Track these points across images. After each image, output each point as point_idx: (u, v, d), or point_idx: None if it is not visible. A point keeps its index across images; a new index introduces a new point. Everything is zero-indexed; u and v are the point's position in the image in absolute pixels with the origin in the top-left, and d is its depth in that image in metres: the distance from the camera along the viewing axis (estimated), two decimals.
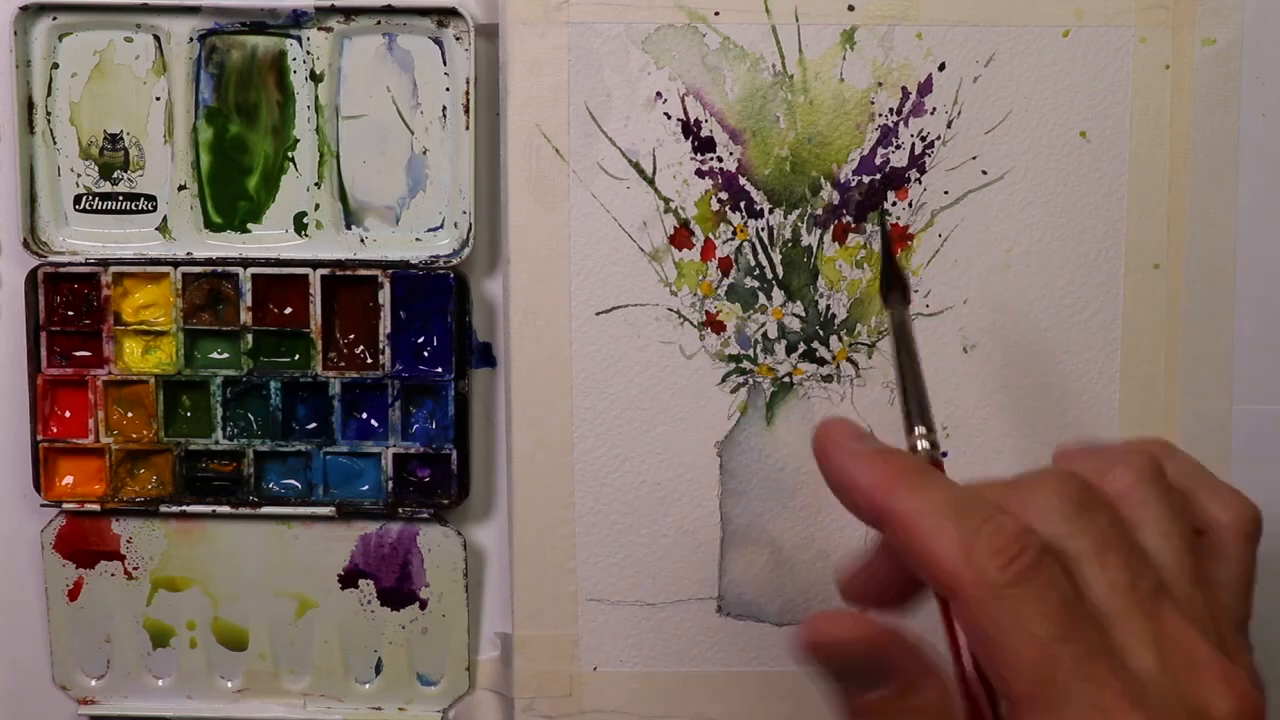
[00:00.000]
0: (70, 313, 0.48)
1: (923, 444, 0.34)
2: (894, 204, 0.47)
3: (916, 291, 0.47)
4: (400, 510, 0.48)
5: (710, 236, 0.47)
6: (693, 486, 0.48)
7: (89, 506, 0.49)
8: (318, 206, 0.48)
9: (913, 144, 0.46)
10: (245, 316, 0.48)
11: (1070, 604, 0.29)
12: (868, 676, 0.32)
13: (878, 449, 0.32)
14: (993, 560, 0.29)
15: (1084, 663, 0.28)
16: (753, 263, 0.47)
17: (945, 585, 0.30)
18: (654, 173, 0.47)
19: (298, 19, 0.47)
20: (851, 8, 0.46)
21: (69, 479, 0.49)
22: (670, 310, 0.47)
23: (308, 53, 0.47)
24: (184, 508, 0.49)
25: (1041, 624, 0.28)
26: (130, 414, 0.49)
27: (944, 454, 0.48)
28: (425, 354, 0.48)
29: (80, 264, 0.48)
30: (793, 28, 0.46)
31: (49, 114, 0.48)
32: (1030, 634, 0.28)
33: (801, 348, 0.47)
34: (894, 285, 0.38)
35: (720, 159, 0.46)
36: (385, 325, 0.48)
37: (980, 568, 0.29)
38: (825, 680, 0.32)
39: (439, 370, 0.48)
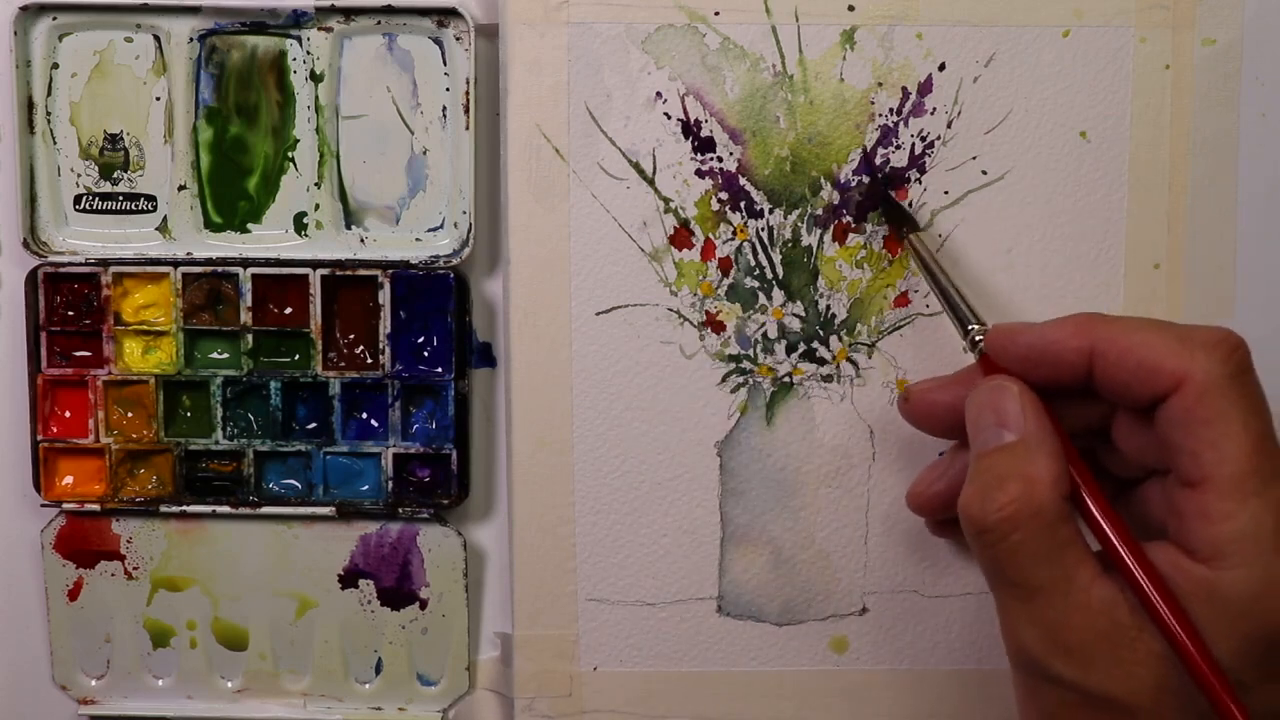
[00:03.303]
0: (70, 313, 0.48)
1: (980, 339, 0.40)
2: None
3: (917, 292, 0.47)
4: (400, 510, 0.48)
5: (710, 236, 0.47)
6: (693, 486, 0.48)
7: (89, 506, 0.49)
8: (318, 206, 0.48)
9: (913, 144, 0.46)
10: (245, 316, 0.48)
11: (1261, 409, 0.34)
12: (998, 421, 0.37)
13: (1051, 321, 0.38)
14: (1213, 353, 0.33)
15: None
16: (753, 263, 0.47)
17: (1169, 381, 0.34)
18: (654, 173, 0.47)
19: (298, 19, 0.47)
20: (851, 8, 0.46)
21: (69, 479, 0.49)
22: (670, 310, 0.47)
23: (308, 53, 0.47)
24: (184, 508, 0.49)
25: (1256, 416, 0.33)
26: (130, 414, 0.49)
27: (943, 454, 0.48)
28: (425, 354, 0.48)
29: (80, 264, 0.48)
30: (793, 28, 0.46)
31: (49, 114, 0.48)
32: (1247, 422, 0.33)
33: (801, 348, 0.47)
34: (901, 221, 0.45)
35: (720, 159, 0.46)
36: (385, 325, 0.48)
37: (1201, 361, 0.33)
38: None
39: (439, 370, 0.48)
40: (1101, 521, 0.34)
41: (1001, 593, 0.36)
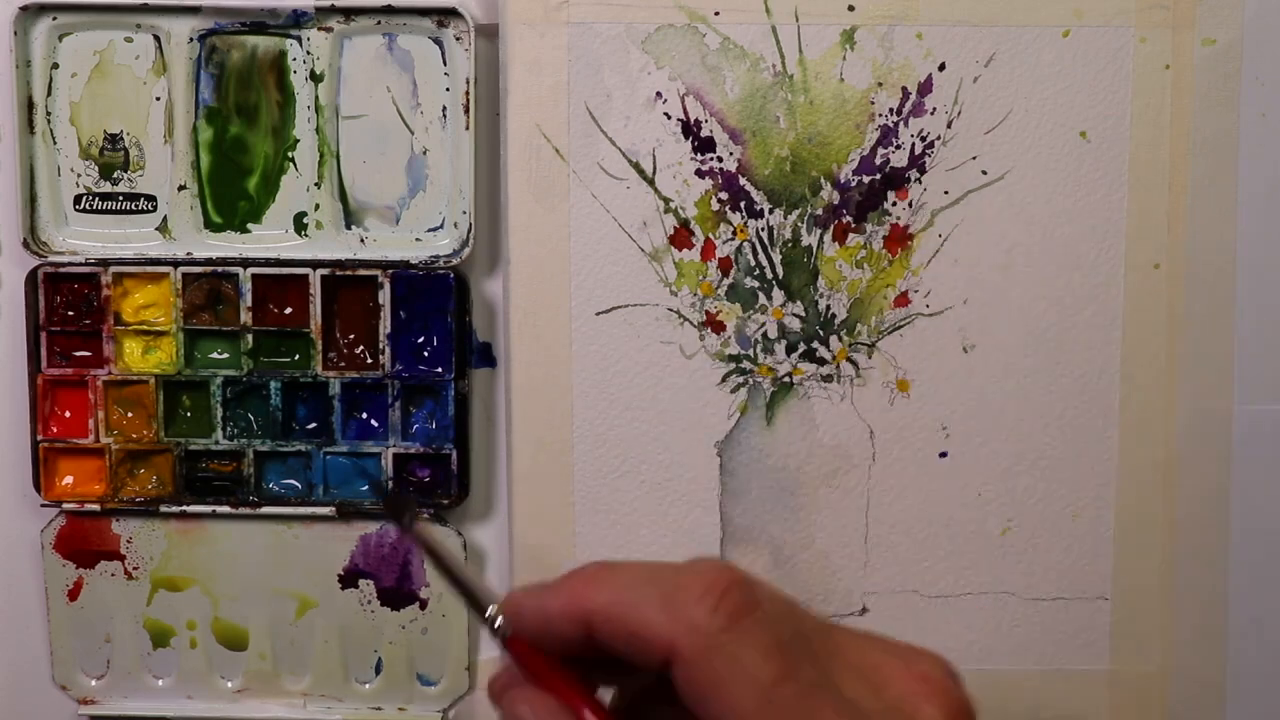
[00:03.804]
0: (70, 313, 0.48)
1: (498, 621, 0.33)
2: (894, 204, 0.47)
3: (917, 292, 0.47)
4: None
5: (710, 236, 0.47)
6: (693, 486, 0.48)
7: (89, 506, 0.49)
8: (318, 206, 0.48)
9: (913, 144, 0.46)
10: (245, 316, 0.48)
11: (784, 644, 0.29)
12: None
13: (551, 582, 0.32)
14: (700, 605, 0.29)
15: (806, 698, 0.28)
16: (753, 263, 0.47)
17: (662, 648, 0.29)
18: (654, 173, 0.47)
19: (298, 19, 0.47)
20: (851, 8, 0.46)
21: (69, 479, 0.49)
22: (670, 310, 0.47)
23: (308, 53, 0.47)
24: (184, 508, 0.49)
25: (762, 666, 0.28)
26: (130, 414, 0.49)
27: (943, 454, 0.48)
28: (425, 354, 0.48)
29: (80, 264, 0.48)
30: (793, 28, 0.46)
31: (49, 114, 0.48)
32: (752, 678, 0.28)
33: (801, 348, 0.47)
34: (399, 511, 0.37)
35: (720, 159, 0.46)
36: (385, 325, 0.48)
37: (690, 617, 0.29)
38: None
39: (439, 370, 0.48)
40: None
41: None
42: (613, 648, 0.30)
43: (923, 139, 0.47)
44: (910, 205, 0.47)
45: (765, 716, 0.28)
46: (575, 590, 0.31)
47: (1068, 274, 0.47)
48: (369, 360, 0.48)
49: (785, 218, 0.47)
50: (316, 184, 0.48)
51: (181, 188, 0.48)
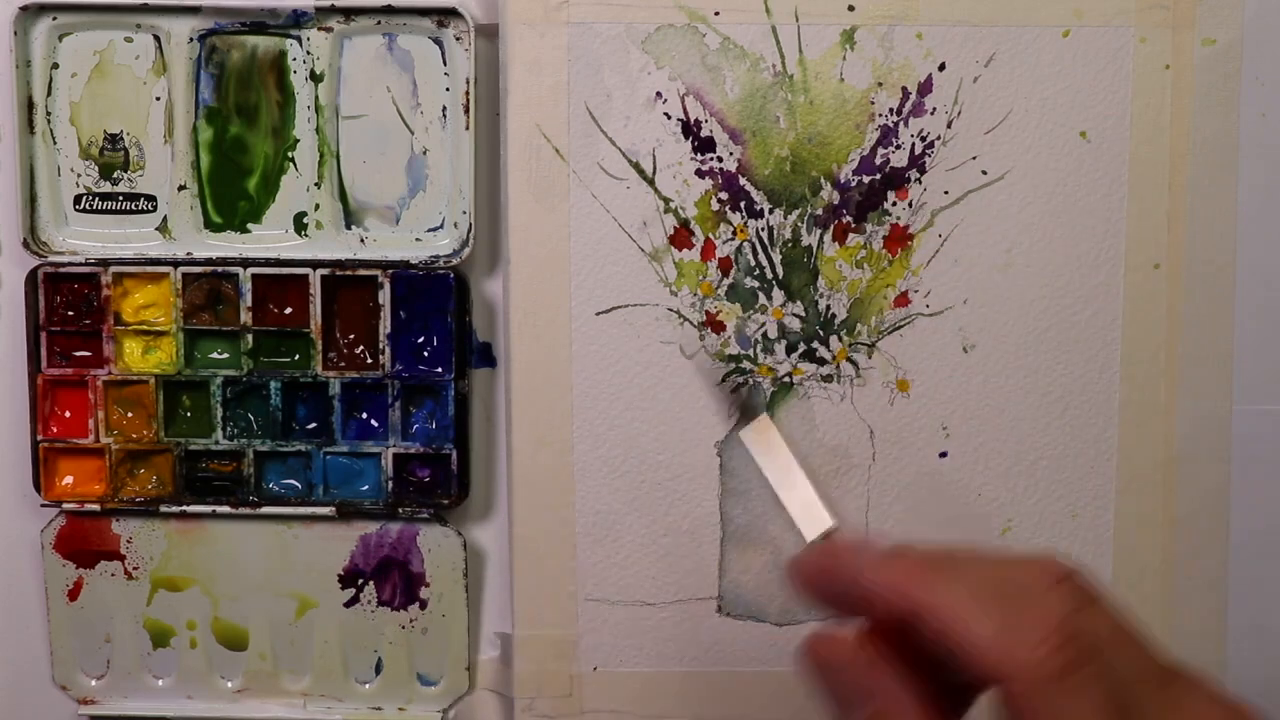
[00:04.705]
0: (70, 313, 0.48)
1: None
2: (894, 204, 0.47)
3: (916, 292, 0.47)
4: (400, 510, 0.48)
5: (710, 236, 0.47)
6: (693, 486, 0.48)
7: (89, 506, 0.49)
8: (318, 206, 0.48)
9: (913, 144, 0.46)
10: (245, 316, 0.48)
11: (1114, 695, 0.29)
12: (850, 698, 0.32)
13: (884, 551, 0.32)
14: (1039, 649, 0.29)
15: None
16: (753, 263, 0.47)
17: (992, 673, 0.29)
18: (654, 173, 0.47)
19: (298, 19, 0.47)
20: (851, 8, 0.46)
21: (69, 479, 0.49)
22: (670, 310, 0.47)
23: (308, 53, 0.47)
24: (184, 508, 0.49)
25: (1091, 713, 0.28)
26: (130, 414, 0.49)
27: (943, 454, 0.48)
28: (425, 354, 0.48)
29: (80, 264, 0.48)
30: (793, 28, 0.46)
31: (49, 114, 0.48)
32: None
33: (801, 348, 0.47)
34: (743, 414, 0.36)
35: (720, 159, 0.46)
36: (385, 325, 0.48)
37: (1028, 658, 0.29)
38: (814, 692, 0.33)
39: (439, 370, 0.48)
40: None
41: None
42: (926, 639, 0.30)
43: (923, 139, 0.47)
44: (910, 205, 0.47)
45: None
46: (912, 576, 0.31)
47: (1068, 274, 0.47)
48: (369, 360, 0.48)
49: (785, 218, 0.47)
50: (316, 184, 0.48)
51: (181, 188, 0.48)
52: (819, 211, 0.47)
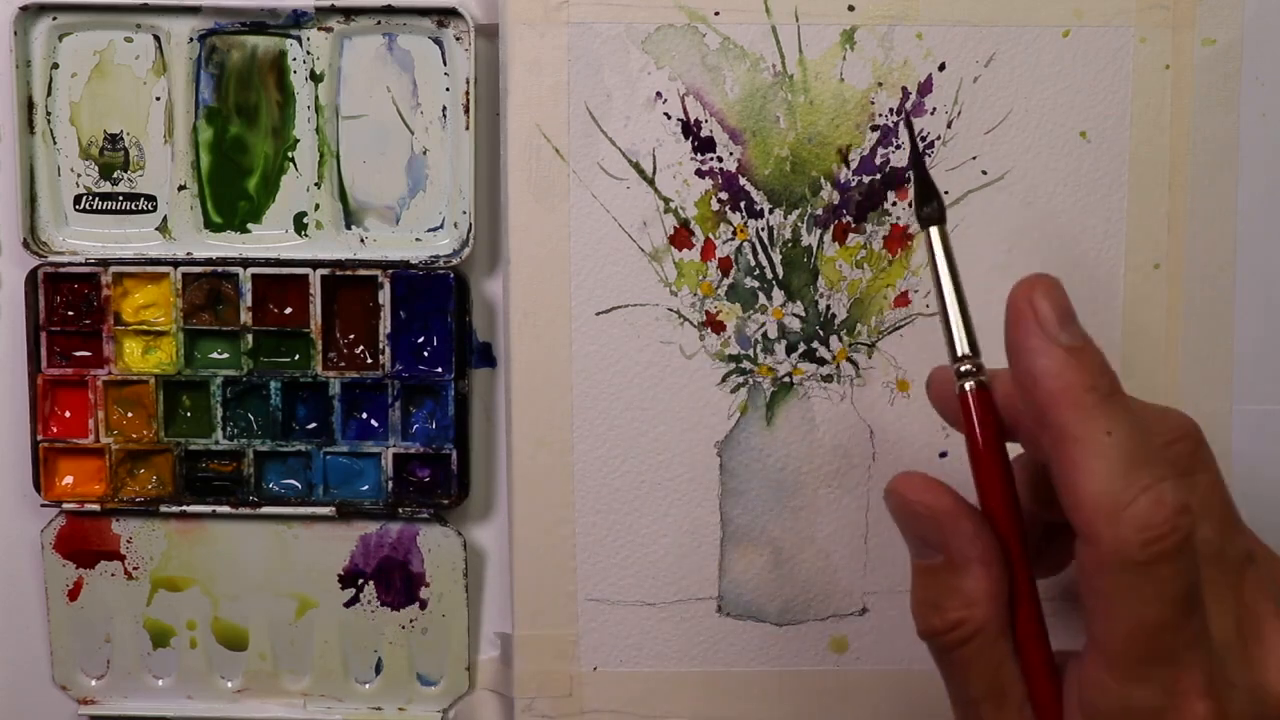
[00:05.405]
0: (70, 313, 0.48)
1: (966, 369, 0.35)
2: (894, 204, 0.47)
3: (917, 292, 0.47)
4: (400, 510, 0.48)
5: (710, 236, 0.47)
6: (693, 486, 0.48)
7: (89, 506, 0.49)
8: (318, 206, 0.48)
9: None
10: (245, 316, 0.48)
11: (1188, 596, 0.30)
12: (928, 541, 0.34)
13: (1073, 344, 0.32)
14: (1138, 534, 0.29)
15: (1179, 652, 0.30)
16: (753, 263, 0.47)
17: (1083, 531, 0.30)
18: (654, 173, 0.47)
19: (298, 19, 0.47)
20: (851, 8, 0.46)
21: (69, 479, 0.49)
22: (670, 310, 0.47)
23: (308, 53, 0.47)
24: (184, 508, 0.49)
25: (1158, 608, 0.29)
26: (130, 414, 0.49)
27: (943, 454, 0.48)
28: (425, 354, 0.48)
29: (80, 264, 0.48)
30: (793, 28, 0.46)
31: (49, 114, 0.48)
32: (1144, 613, 0.29)
33: (801, 348, 0.47)
34: (926, 199, 0.36)
35: (720, 159, 0.46)
36: (385, 325, 0.48)
37: (1123, 535, 0.30)
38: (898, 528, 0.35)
39: (439, 370, 0.48)
40: (1029, 662, 0.33)
41: (949, 693, 0.35)
42: (1042, 470, 0.32)
43: (923, 139, 0.47)
44: (910, 205, 0.47)
45: (1136, 647, 0.30)
46: (1080, 399, 0.31)
47: (1068, 274, 0.47)
48: (369, 360, 0.48)
49: (785, 218, 0.47)
50: (316, 184, 0.48)
51: (181, 188, 0.48)
52: (819, 211, 0.47)
